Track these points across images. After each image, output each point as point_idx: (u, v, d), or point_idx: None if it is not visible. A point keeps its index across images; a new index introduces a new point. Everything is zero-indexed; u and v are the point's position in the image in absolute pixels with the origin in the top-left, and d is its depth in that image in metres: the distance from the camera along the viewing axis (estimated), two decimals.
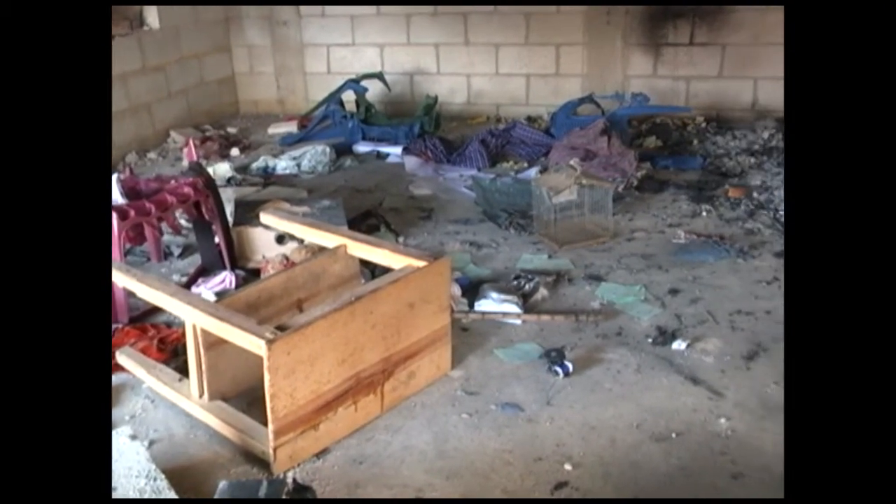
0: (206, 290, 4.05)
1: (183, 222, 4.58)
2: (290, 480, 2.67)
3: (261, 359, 2.58)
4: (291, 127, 7.82)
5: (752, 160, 6.16)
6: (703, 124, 7.32)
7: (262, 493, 2.52)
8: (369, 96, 7.60)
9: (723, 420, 2.96)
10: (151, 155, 7.20)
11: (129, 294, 3.40)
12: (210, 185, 4.23)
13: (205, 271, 4.32)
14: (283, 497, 2.56)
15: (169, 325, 3.76)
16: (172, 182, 4.16)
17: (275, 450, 2.69)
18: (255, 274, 4.22)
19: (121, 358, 3.35)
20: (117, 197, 3.94)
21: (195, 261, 4.54)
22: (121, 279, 3.15)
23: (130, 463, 2.53)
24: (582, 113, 6.92)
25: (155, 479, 2.48)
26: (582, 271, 4.32)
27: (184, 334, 3.10)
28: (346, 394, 2.88)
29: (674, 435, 2.88)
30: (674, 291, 4.03)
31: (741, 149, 6.50)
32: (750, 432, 2.88)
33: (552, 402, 3.10)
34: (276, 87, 8.78)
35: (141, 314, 3.85)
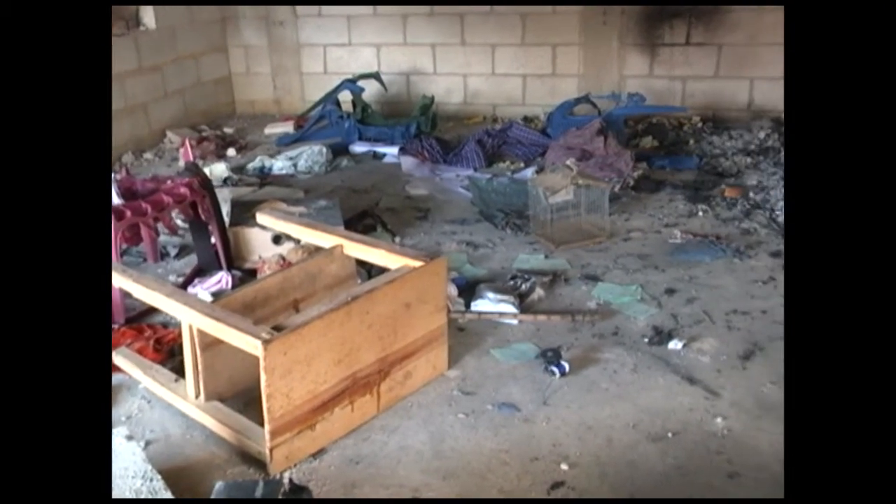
0: (203, 290, 4.04)
1: (179, 223, 4.58)
2: (286, 481, 2.67)
3: (257, 359, 2.57)
4: (288, 127, 7.82)
5: (749, 160, 6.17)
6: (700, 124, 7.33)
7: (258, 494, 2.53)
8: (366, 96, 7.60)
9: (719, 419, 2.96)
10: (148, 155, 7.19)
11: (126, 294, 3.40)
12: (206, 185, 4.23)
13: (201, 272, 4.32)
14: (280, 497, 2.56)
15: (165, 325, 3.76)
16: (169, 182, 4.16)
17: (271, 450, 2.69)
18: (251, 274, 4.22)
19: (117, 358, 3.35)
20: (114, 197, 3.94)
21: (191, 261, 4.54)
22: (117, 280, 3.15)
23: (126, 464, 2.53)
24: (578, 113, 6.93)
25: (151, 480, 2.48)
26: (578, 271, 4.33)
27: (180, 335, 3.10)
28: (343, 394, 2.88)
29: (670, 434, 2.89)
30: (670, 291, 4.03)
31: (737, 149, 6.51)
32: (746, 432, 2.89)
33: (549, 402, 3.10)
34: (273, 88, 8.78)
35: (137, 315, 3.84)
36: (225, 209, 4.52)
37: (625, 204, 5.35)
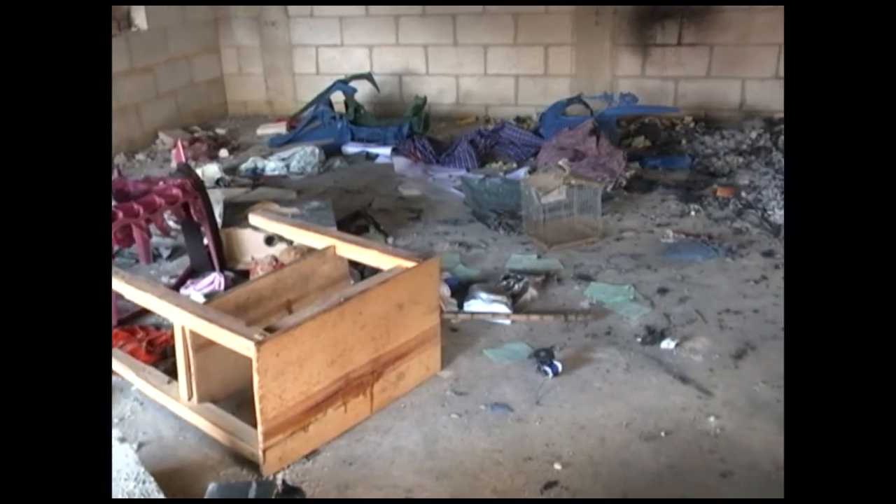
0: (195, 291, 4.03)
1: (171, 224, 4.57)
2: (279, 482, 2.67)
3: (250, 360, 2.57)
4: (280, 128, 7.81)
5: (740, 160, 6.18)
6: (692, 124, 7.34)
7: (251, 495, 2.53)
8: (358, 97, 7.60)
9: (711, 418, 2.97)
10: (140, 156, 7.18)
11: (118, 296, 3.39)
12: (199, 186, 4.22)
13: (194, 273, 4.31)
14: (273, 498, 2.56)
15: (158, 327, 3.75)
16: (161, 183, 4.14)
17: (264, 451, 2.69)
18: (244, 275, 4.21)
19: None
20: None
21: (184, 262, 4.53)
22: None
23: (119, 466, 2.52)
24: (571, 113, 6.93)
25: (144, 482, 2.47)
26: (571, 271, 4.33)
27: (173, 336, 3.09)
28: (336, 395, 2.88)
29: (663, 434, 2.89)
30: (663, 291, 4.04)
31: (729, 148, 6.53)
32: (738, 430, 2.90)
33: (541, 402, 3.11)
34: (265, 88, 8.77)
35: (129, 316, 3.83)
36: (217, 210, 4.51)
37: (617, 204, 5.35)
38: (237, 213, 4.54)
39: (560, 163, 4.94)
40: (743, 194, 5.39)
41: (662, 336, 3.56)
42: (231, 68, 8.78)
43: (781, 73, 7.20)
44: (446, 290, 3.91)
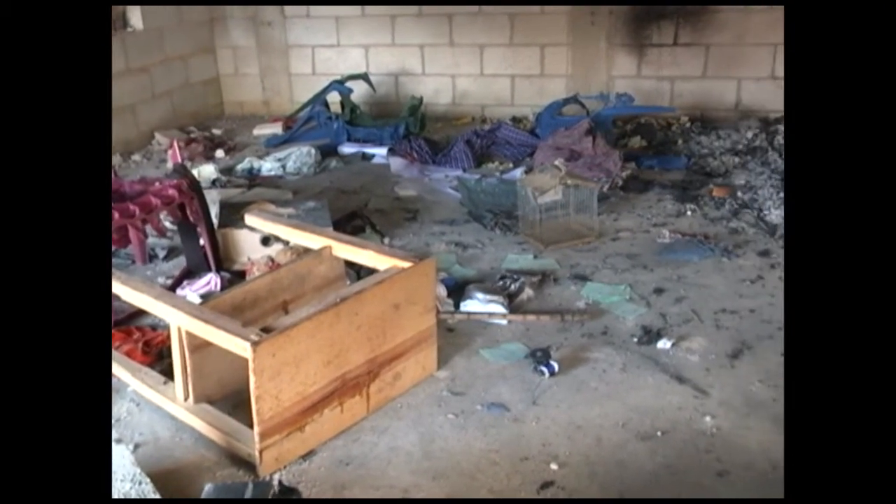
0: (191, 292, 4.03)
1: (167, 224, 4.56)
2: (275, 483, 2.67)
3: (246, 361, 2.57)
4: (276, 128, 7.81)
5: (736, 160, 6.19)
6: (688, 124, 7.35)
7: (248, 496, 2.52)
8: (354, 97, 7.59)
9: (708, 418, 2.97)
10: (136, 157, 7.17)
11: (114, 297, 3.38)
12: (195, 186, 4.22)
13: (190, 273, 4.31)
14: (269, 498, 2.56)
15: (154, 327, 3.74)
16: (157, 184, 4.14)
17: (261, 452, 2.69)
18: (240, 276, 4.21)
19: None
20: None
21: (180, 263, 4.52)
22: None
23: (115, 467, 2.52)
24: (567, 113, 6.93)
25: (140, 483, 2.47)
26: (567, 271, 4.33)
27: (169, 337, 3.09)
28: (332, 395, 2.88)
29: (659, 433, 2.89)
30: (659, 291, 4.04)
31: (725, 148, 6.53)
32: (734, 430, 2.90)
33: (538, 402, 3.11)
34: (261, 89, 8.76)
35: (125, 317, 3.83)
36: (213, 211, 4.51)
37: (613, 204, 5.36)
38: (233, 214, 4.53)
39: (556, 163, 4.94)
40: (739, 194, 5.40)
41: (659, 336, 3.56)
42: (227, 69, 8.77)
43: (777, 73, 7.21)
44: (443, 291, 3.91)
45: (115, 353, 3.38)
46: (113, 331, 3.67)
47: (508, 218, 5.07)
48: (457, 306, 3.86)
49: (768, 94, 7.28)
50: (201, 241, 4.28)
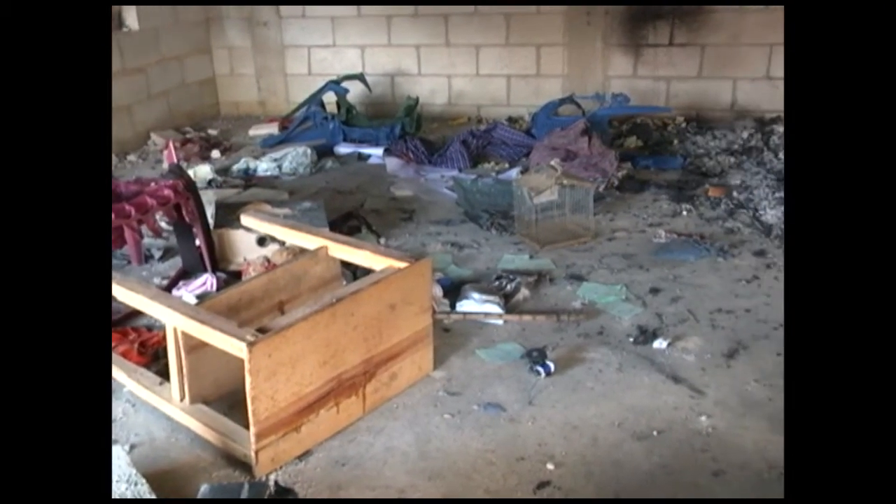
0: (187, 292, 4.03)
1: (163, 225, 4.56)
2: (272, 483, 2.67)
3: (242, 361, 2.57)
4: (272, 129, 7.80)
5: (732, 160, 6.20)
6: (683, 124, 7.37)
7: (243, 496, 2.52)
8: (350, 98, 7.59)
9: (703, 418, 2.98)
10: (131, 157, 7.15)
11: None
12: (191, 187, 4.21)
13: (185, 274, 4.31)
14: (265, 498, 2.56)
15: (149, 328, 3.74)
16: (153, 184, 4.13)
17: (256, 452, 2.69)
18: (236, 276, 4.21)
19: None
20: None
21: (176, 263, 4.52)
22: None
23: (111, 468, 2.52)
24: (563, 113, 6.94)
25: (136, 484, 2.47)
26: (563, 271, 4.34)
27: (164, 338, 3.09)
28: (328, 395, 2.88)
29: (655, 433, 2.90)
30: (655, 290, 4.05)
31: (721, 148, 6.54)
32: (730, 430, 2.90)
33: (534, 402, 3.11)
34: (257, 89, 8.76)
35: (121, 318, 3.82)
36: (209, 211, 4.50)
37: (609, 204, 5.36)
38: (229, 214, 4.53)
39: (552, 163, 4.94)
40: (734, 194, 5.40)
41: (654, 336, 3.56)
42: (223, 69, 8.77)
43: (772, 73, 7.23)
44: (438, 291, 3.91)
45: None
46: None
47: (504, 218, 5.07)
48: (453, 306, 3.86)
49: (764, 95, 7.30)
50: (197, 242, 4.28)
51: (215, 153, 7.08)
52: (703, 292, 4.02)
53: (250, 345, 2.53)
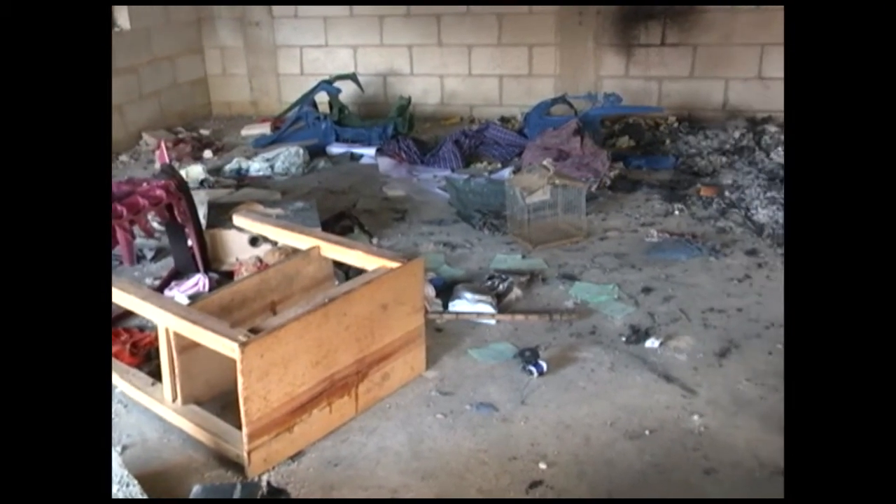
0: (179, 293, 4.02)
1: (155, 225, 4.55)
2: (264, 483, 2.66)
3: (234, 362, 2.57)
4: (265, 129, 7.79)
5: (724, 159, 6.22)
6: (675, 124, 7.38)
7: (236, 497, 2.52)
8: (342, 97, 7.58)
9: (695, 417, 2.98)
10: (123, 157, 7.14)
11: None
12: (182, 187, 4.20)
13: (178, 274, 4.30)
14: (258, 499, 2.55)
15: (141, 329, 3.73)
16: (144, 185, 4.12)
17: (249, 453, 2.68)
18: (228, 276, 4.20)
19: None
20: None
21: (168, 264, 4.51)
22: None
23: None
24: (555, 113, 6.95)
25: (128, 485, 2.46)
26: (555, 271, 4.34)
27: (156, 338, 3.08)
28: (321, 396, 2.87)
29: (647, 432, 2.90)
30: (647, 290, 4.06)
31: (713, 148, 6.55)
32: (722, 429, 2.91)
33: (526, 402, 3.11)
34: (249, 89, 8.74)
35: (114, 318, 3.81)
36: (201, 211, 4.49)
37: (601, 203, 5.37)
38: (221, 214, 4.52)
39: (544, 163, 4.95)
40: (726, 193, 5.42)
41: (647, 335, 3.57)
42: (215, 69, 8.75)
43: (764, 73, 7.25)
44: (431, 291, 3.91)
45: None
46: None
47: (497, 218, 5.07)
48: (445, 306, 3.86)
49: (755, 94, 7.32)
50: (189, 242, 4.27)
51: (207, 153, 7.07)
52: (695, 291, 4.03)
53: (242, 345, 2.53)
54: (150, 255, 4.71)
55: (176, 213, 4.12)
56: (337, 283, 3.59)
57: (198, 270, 4.24)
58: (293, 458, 2.82)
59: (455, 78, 8.15)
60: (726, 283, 4.12)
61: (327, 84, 7.45)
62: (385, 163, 6.53)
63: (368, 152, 6.84)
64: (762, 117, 7.15)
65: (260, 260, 4.11)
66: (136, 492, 2.44)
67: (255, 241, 4.28)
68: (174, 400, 3.02)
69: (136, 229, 4.05)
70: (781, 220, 4.79)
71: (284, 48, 8.50)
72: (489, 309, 3.80)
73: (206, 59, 8.70)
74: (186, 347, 2.95)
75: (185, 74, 8.39)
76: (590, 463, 2.75)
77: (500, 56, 7.94)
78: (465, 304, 3.83)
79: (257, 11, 8.38)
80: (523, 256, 4.56)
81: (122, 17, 7.39)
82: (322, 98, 7.48)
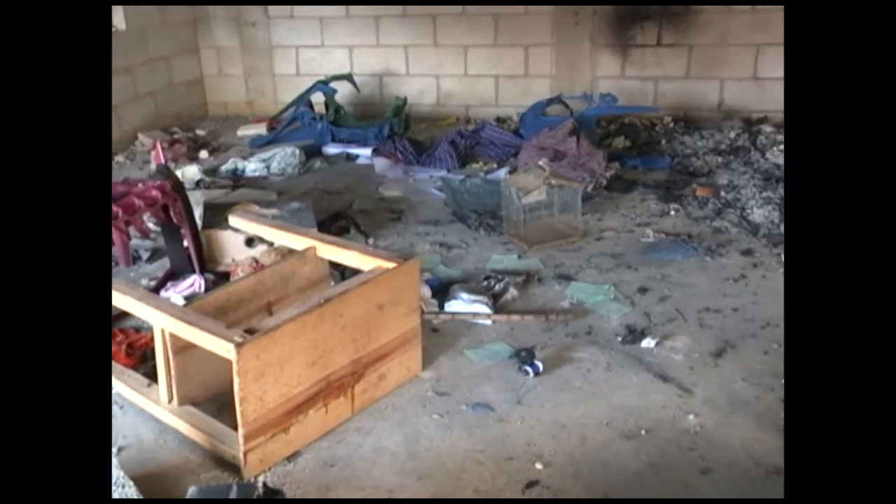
0: (175, 293, 4.02)
1: (151, 226, 4.55)
2: (260, 484, 2.66)
3: (230, 362, 2.56)
4: (261, 129, 7.78)
5: (720, 159, 6.22)
6: (671, 124, 7.39)
7: (232, 497, 2.52)
8: (338, 98, 7.58)
9: (691, 417, 2.99)
10: (119, 158, 7.13)
11: None
12: (178, 188, 4.20)
13: (173, 275, 4.29)
14: (254, 499, 2.55)
15: (137, 329, 3.72)
16: (140, 185, 4.12)
17: (245, 454, 2.68)
18: (224, 277, 4.20)
19: None
20: None
21: (164, 265, 4.50)
22: None
23: None
24: (551, 113, 6.95)
25: (124, 487, 2.46)
26: (552, 271, 4.34)
27: (152, 339, 3.08)
28: (317, 396, 2.87)
29: (643, 432, 2.91)
30: (643, 290, 4.06)
31: (708, 148, 6.57)
32: (718, 428, 2.92)
33: (523, 402, 3.11)
34: (245, 89, 8.74)
35: None
36: (197, 212, 4.49)
37: (597, 204, 5.38)
38: (217, 215, 4.52)
39: (540, 163, 4.96)
40: (722, 194, 5.43)
41: (643, 335, 3.58)
42: (211, 69, 8.74)
43: (759, 73, 7.27)
44: (427, 291, 3.91)
45: None
46: None
47: (493, 218, 5.08)
48: (441, 307, 3.86)
49: (751, 95, 7.34)
50: (185, 243, 4.27)
51: (203, 154, 7.06)
52: (690, 291, 4.04)
53: (238, 346, 2.53)
54: (145, 255, 4.70)
55: (172, 213, 4.12)
56: (333, 283, 3.59)
57: (194, 271, 4.23)
58: (289, 458, 2.82)
59: (451, 78, 8.16)
60: (722, 283, 4.13)
61: (323, 84, 7.44)
62: (381, 163, 6.53)
63: (364, 153, 6.83)
64: (758, 117, 7.17)
65: (256, 260, 4.11)
66: (132, 493, 2.44)
67: (251, 241, 4.28)
68: (170, 401, 3.01)
69: (132, 230, 4.05)
70: (777, 220, 4.80)
71: (280, 48, 8.50)
72: (485, 309, 3.80)
73: (201, 59, 8.69)
74: (182, 348, 2.95)
75: (181, 75, 8.38)
76: (586, 463, 2.75)
77: (496, 56, 7.94)
78: (462, 304, 3.83)
79: (253, 11, 8.37)
80: (519, 257, 4.56)
81: (117, 17, 7.36)
82: (318, 98, 7.47)
